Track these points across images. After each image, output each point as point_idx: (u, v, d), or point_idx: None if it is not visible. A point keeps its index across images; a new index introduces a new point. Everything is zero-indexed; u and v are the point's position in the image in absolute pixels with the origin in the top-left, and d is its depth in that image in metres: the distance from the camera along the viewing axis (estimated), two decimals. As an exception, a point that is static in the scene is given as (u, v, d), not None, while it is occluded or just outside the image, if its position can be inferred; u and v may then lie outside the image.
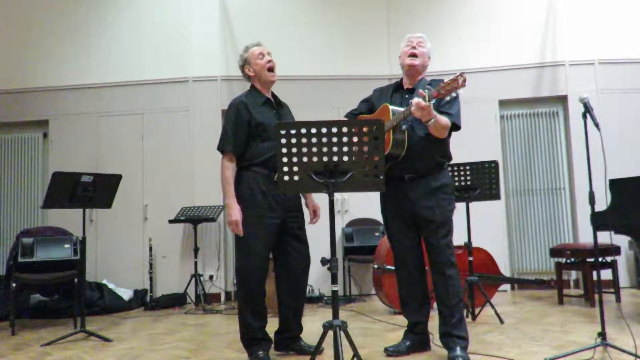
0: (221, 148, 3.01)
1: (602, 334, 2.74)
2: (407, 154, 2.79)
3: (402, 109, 2.79)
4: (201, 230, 5.50)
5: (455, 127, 2.83)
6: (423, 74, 3.02)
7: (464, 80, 2.45)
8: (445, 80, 2.51)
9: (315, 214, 3.16)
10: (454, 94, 2.54)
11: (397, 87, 3.06)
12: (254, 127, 2.97)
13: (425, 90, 2.57)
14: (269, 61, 3.09)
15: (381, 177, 2.34)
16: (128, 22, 5.95)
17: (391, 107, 2.83)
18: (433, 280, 2.90)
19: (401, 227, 2.99)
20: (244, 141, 2.98)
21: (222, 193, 3.03)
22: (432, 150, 2.83)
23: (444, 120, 2.71)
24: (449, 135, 2.90)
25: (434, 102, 2.58)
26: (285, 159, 2.31)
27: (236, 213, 2.88)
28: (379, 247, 4.61)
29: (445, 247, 2.84)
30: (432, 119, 2.59)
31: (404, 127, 2.74)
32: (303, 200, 3.21)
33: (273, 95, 3.17)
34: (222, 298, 5.57)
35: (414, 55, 2.95)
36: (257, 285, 2.92)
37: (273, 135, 2.92)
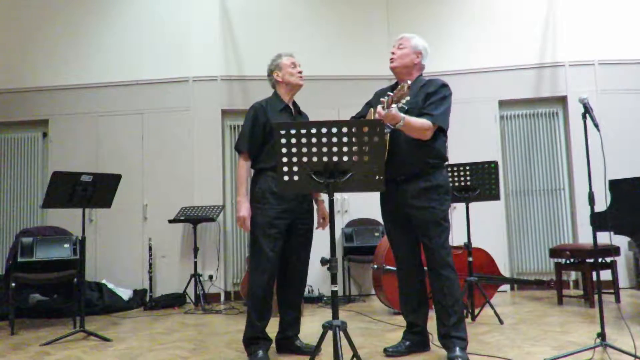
0: (237, 147, 3.11)
1: (602, 335, 2.75)
2: (393, 156, 2.79)
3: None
4: (201, 230, 5.50)
5: (441, 128, 2.83)
6: (414, 74, 2.98)
7: (409, 87, 2.52)
8: (397, 87, 2.58)
9: (324, 220, 3.18)
10: (404, 100, 2.55)
11: (393, 88, 3.05)
12: (269, 131, 3.03)
13: (386, 97, 2.62)
14: (300, 72, 3.19)
15: (381, 178, 2.35)
16: (128, 22, 5.95)
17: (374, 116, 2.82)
18: (430, 280, 2.90)
19: (398, 228, 3.01)
20: (259, 143, 3.06)
21: (235, 191, 3.09)
22: (421, 152, 2.82)
23: (417, 122, 2.71)
24: (443, 135, 2.90)
25: (400, 105, 2.58)
26: (285, 159, 2.31)
27: (244, 210, 2.97)
28: (378, 247, 4.61)
29: (439, 247, 2.83)
30: (400, 122, 2.60)
31: (386, 130, 2.73)
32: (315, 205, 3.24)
33: (294, 103, 3.23)
34: (222, 298, 5.58)
35: (391, 59, 3.00)
36: (266, 284, 2.95)
37: None
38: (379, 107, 2.61)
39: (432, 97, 2.83)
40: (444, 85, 2.89)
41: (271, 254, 2.95)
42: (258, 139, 3.05)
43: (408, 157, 2.82)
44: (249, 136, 3.05)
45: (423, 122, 2.73)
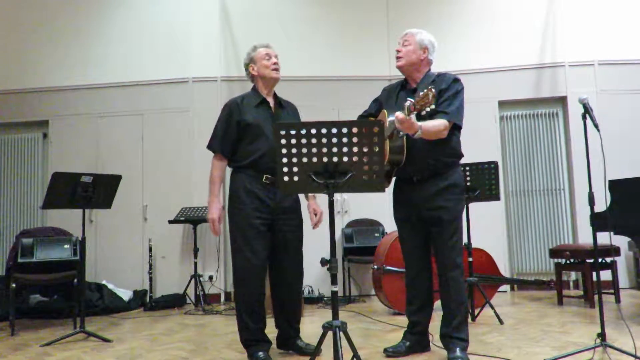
0: (210, 147, 3.07)
1: (602, 335, 2.74)
2: (410, 158, 2.76)
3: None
4: (201, 230, 5.49)
5: (456, 125, 2.80)
6: (422, 70, 2.94)
7: (434, 96, 2.45)
8: (420, 94, 2.48)
9: (316, 217, 3.08)
10: (431, 106, 2.50)
11: (403, 86, 3.03)
12: (243, 127, 2.97)
13: (407, 102, 2.52)
14: (275, 63, 3.07)
15: (381, 178, 2.34)
16: (128, 23, 5.96)
17: (388, 118, 2.77)
18: (438, 280, 2.90)
19: (409, 228, 2.99)
20: (233, 142, 3.00)
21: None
22: (437, 151, 2.79)
23: (434, 127, 2.66)
24: (457, 132, 2.87)
25: (414, 114, 2.52)
26: (285, 160, 2.31)
27: (213, 211, 2.97)
28: (378, 247, 4.61)
29: (450, 248, 2.83)
30: (417, 132, 2.54)
31: (401, 133, 2.68)
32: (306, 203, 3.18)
33: (276, 97, 3.15)
34: (222, 298, 5.57)
35: (397, 57, 2.95)
36: (250, 286, 2.90)
37: (263, 136, 2.94)
38: (398, 112, 2.52)
39: (445, 93, 2.78)
40: (456, 80, 2.84)
41: (251, 256, 2.88)
42: (231, 138, 2.99)
43: (424, 157, 2.79)
44: (222, 136, 2.99)
45: (439, 124, 2.68)
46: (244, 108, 3.01)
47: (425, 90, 2.47)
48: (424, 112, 2.55)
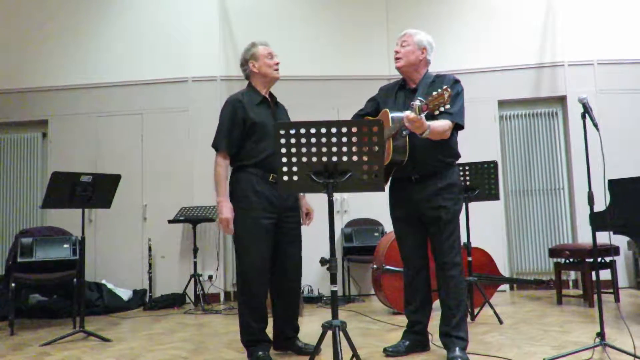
0: (216, 145, 3.01)
1: (601, 334, 2.75)
2: (411, 158, 2.77)
3: (401, 115, 2.75)
4: (200, 230, 5.49)
5: (458, 125, 2.81)
6: (421, 71, 2.95)
7: (449, 96, 2.45)
8: (434, 94, 2.49)
9: (308, 216, 3.13)
10: (446, 106, 2.51)
11: (401, 86, 3.03)
12: (249, 126, 2.95)
13: (417, 102, 2.52)
14: (277, 63, 3.08)
15: (380, 178, 2.34)
16: (127, 22, 5.95)
17: (391, 115, 2.78)
18: (436, 279, 2.90)
19: (407, 228, 2.99)
20: (239, 140, 2.97)
21: (215, 191, 2.99)
22: (437, 152, 2.81)
23: (440, 127, 2.67)
24: (456, 132, 2.88)
25: (425, 113, 2.52)
26: (284, 159, 2.30)
27: (226, 211, 2.88)
28: (378, 247, 4.61)
29: (449, 247, 2.83)
30: (426, 131, 2.55)
31: (404, 132, 2.69)
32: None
33: (270, 95, 3.15)
34: (222, 298, 5.57)
35: (396, 58, 2.95)
36: (255, 286, 2.90)
37: (268, 135, 2.93)
38: (408, 112, 2.53)
39: None
40: (457, 81, 2.85)
41: (258, 256, 2.88)
42: (237, 136, 2.95)
43: (425, 157, 2.79)
44: (228, 134, 2.95)
45: (444, 124, 2.69)
46: (247, 106, 2.98)
47: (440, 90, 2.47)
48: (437, 112, 2.53)
